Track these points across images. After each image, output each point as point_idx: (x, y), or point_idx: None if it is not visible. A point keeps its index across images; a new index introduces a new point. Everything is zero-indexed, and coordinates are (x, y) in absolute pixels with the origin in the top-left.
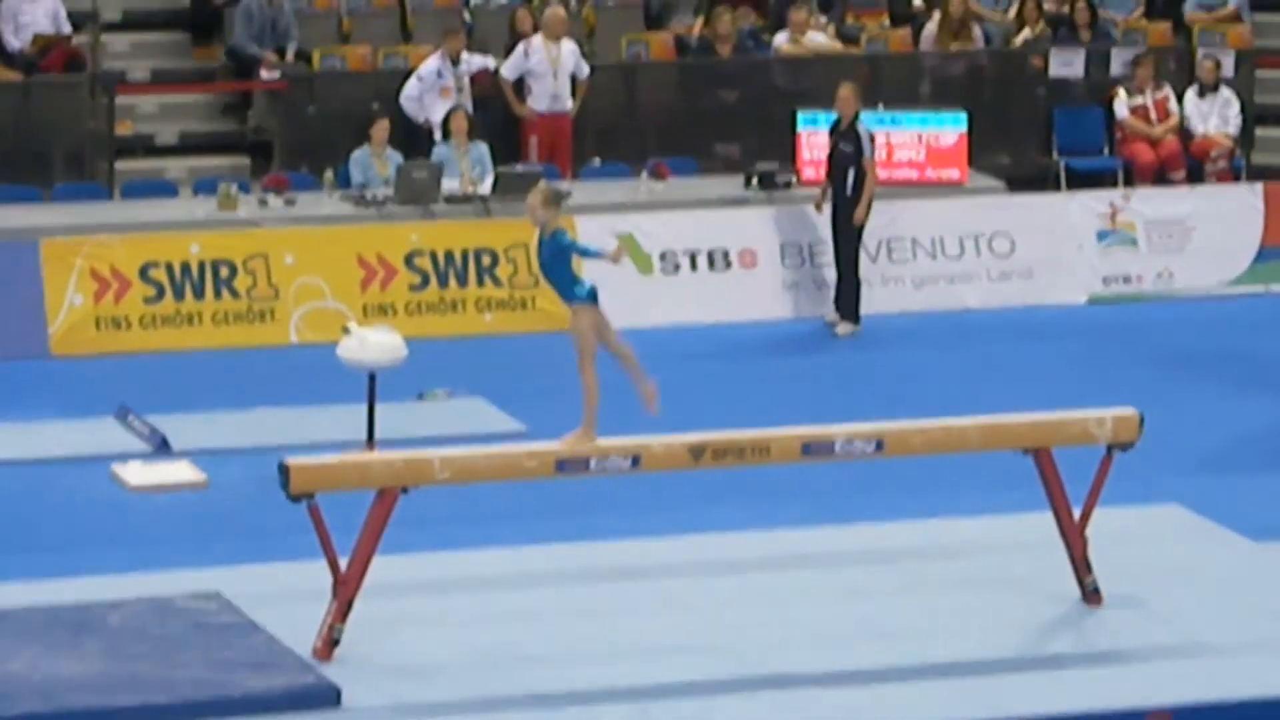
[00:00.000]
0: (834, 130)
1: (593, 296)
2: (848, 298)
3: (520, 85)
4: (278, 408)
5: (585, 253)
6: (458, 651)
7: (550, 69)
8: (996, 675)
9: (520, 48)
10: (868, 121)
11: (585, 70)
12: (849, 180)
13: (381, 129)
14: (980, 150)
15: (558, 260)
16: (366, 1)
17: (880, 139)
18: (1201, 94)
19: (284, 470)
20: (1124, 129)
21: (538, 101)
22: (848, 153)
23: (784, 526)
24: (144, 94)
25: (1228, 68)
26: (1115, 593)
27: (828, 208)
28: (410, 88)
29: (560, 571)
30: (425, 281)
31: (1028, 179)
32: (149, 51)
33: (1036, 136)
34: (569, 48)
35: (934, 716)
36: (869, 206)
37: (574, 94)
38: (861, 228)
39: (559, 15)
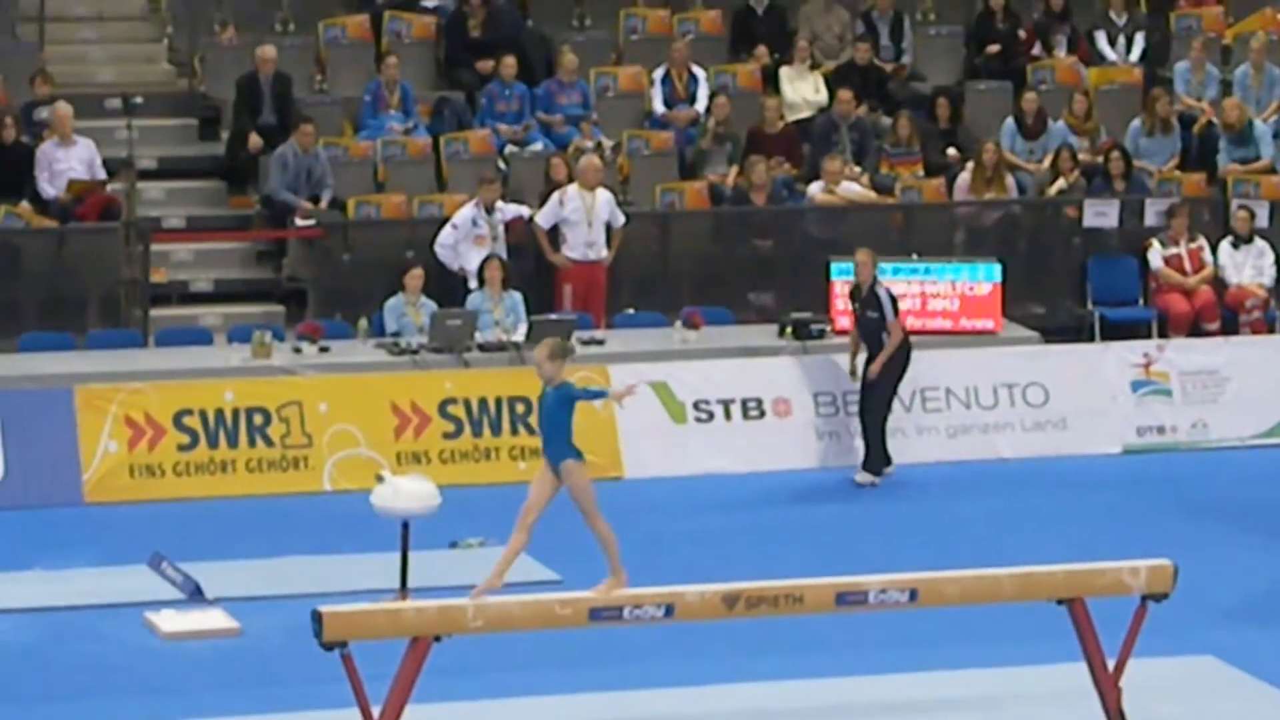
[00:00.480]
0: (854, 296)
1: (580, 456)
2: (874, 453)
3: (555, 233)
4: (311, 556)
5: (592, 396)
6: None
7: (585, 218)
8: None
9: (555, 196)
10: (903, 272)
11: (621, 219)
12: (882, 344)
13: (415, 277)
14: (1014, 300)
15: (562, 411)
16: (402, 150)
17: (914, 289)
18: (1236, 245)
19: (317, 618)
20: (1158, 279)
21: (572, 250)
22: (874, 318)
23: (817, 676)
24: (179, 241)
25: (1262, 218)
26: None
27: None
28: (445, 236)
29: None
30: (459, 429)
31: (1062, 329)
32: (184, 199)
33: (1071, 286)
34: (604, 196)
35: None
36: (885, 362)
37: (609, 242)
38: (886, 383)
39: (594, 164)
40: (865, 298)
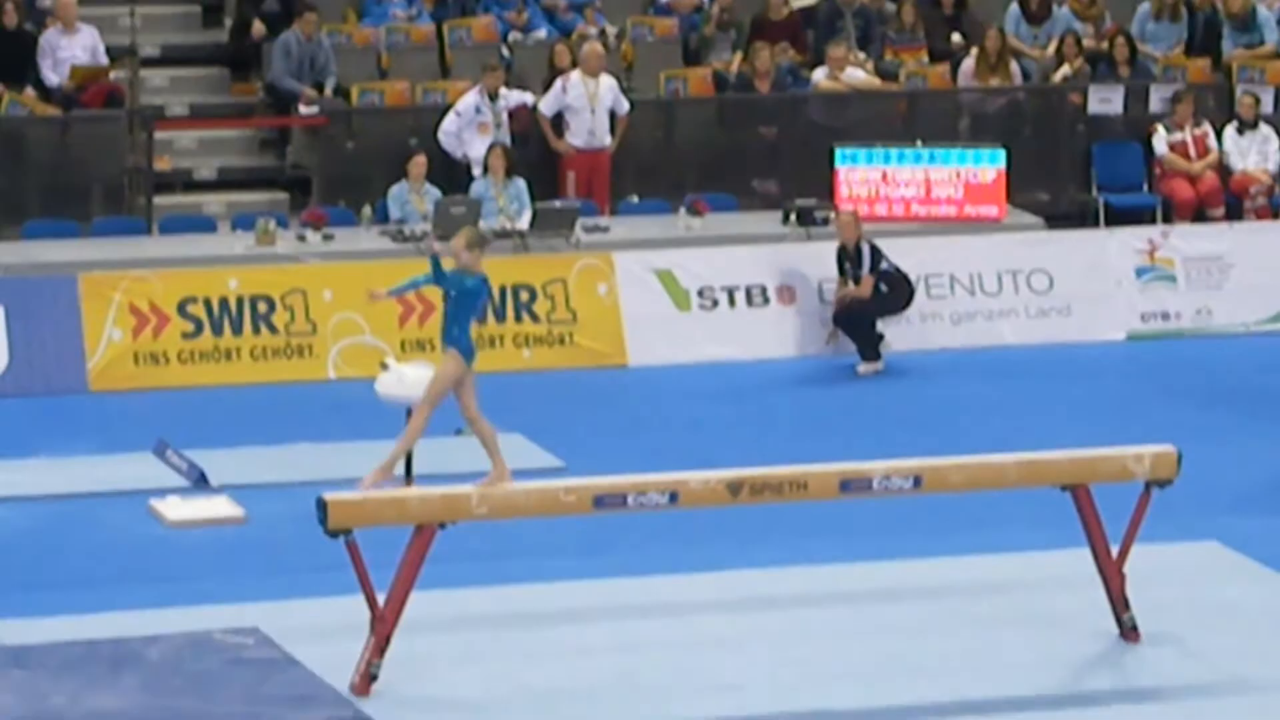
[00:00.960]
0: (842, 257)
1: (470, 355)
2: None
3: (558, 121)
4: (316, 443)
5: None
6: (494, 687)
7: (588, 105)
8: (1034, 712)
9: (558, 84)
10: (907, 159)
11: (625, 106)
12: (884, 301)
13: (419, 164)
14: (1019, 186)
15: (466, 301)
16: (405, 37)
17: (919, 175)
18: (1240, 130)
19: (322, 506)
20: (1163, 165)
21: (575, 137)
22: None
23: (821, 563)
24: (182, 129)
25: (1267, 104)
26: (1153, 630)
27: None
28: (448, 123)
29: (597, 607)
30: None
31: (1066, 215)
32: (187, 87)
33: (1075, 173)
34: (607, 83)
35: None
36: (854, 296)
37: (613, 130)
38: (871, 311)
39: (597, 51)
40: (853, 256)
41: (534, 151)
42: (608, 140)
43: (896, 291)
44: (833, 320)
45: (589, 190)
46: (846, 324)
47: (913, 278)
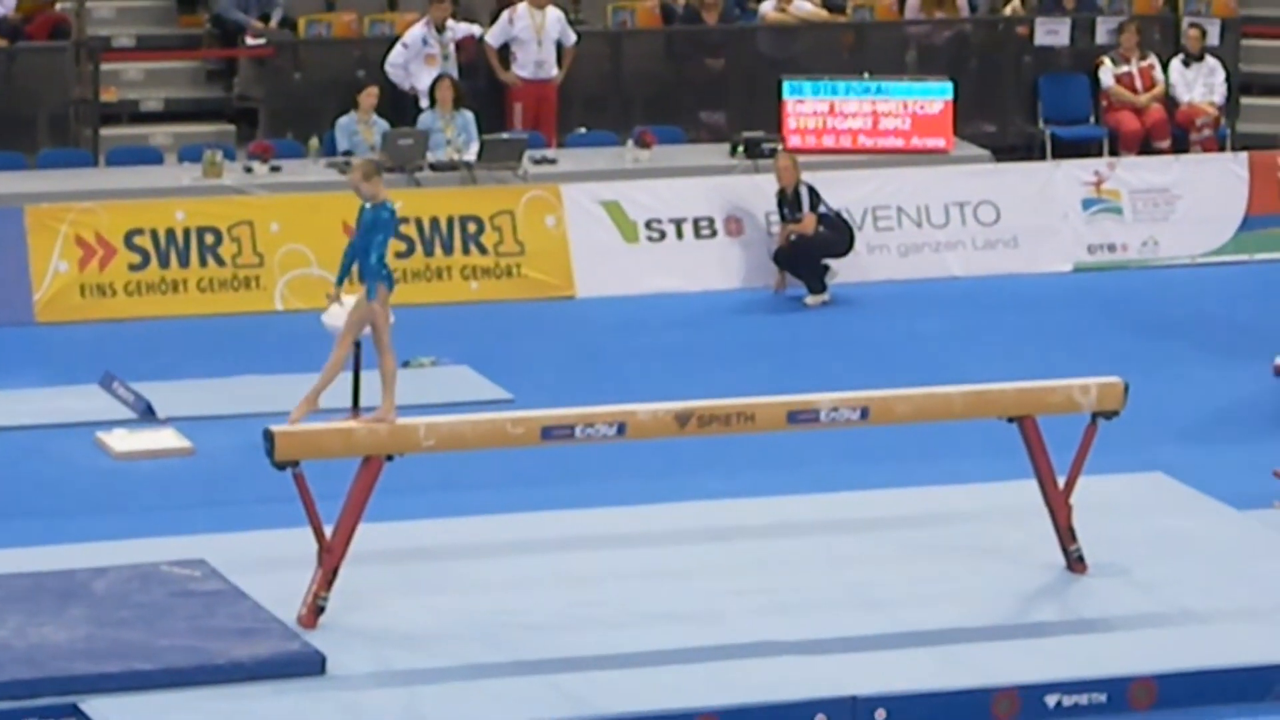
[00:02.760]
0: (782, 201)
1: (389, 284)
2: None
3: (505, 52)
4: (263, 375)
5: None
6: (442, 619)
7: (535, 36)
8: (981, 643)
9: (505, 15)
10: (855, 91)
11: (571, 37)
12: (826, 242)
13: (369, 96)
14: (966, 119)
15: (376, 231)
16: None
17: (866, 108)
18: (1187, 63)
19: (269, 437)
20: (1109, 97)
21: (522, 69)
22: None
23: (769, 494)
24: (129, 60)
25: (1213, 36)
26: (1099, 561)
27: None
28: (396, 55)
29: (545, 539)
30: (411, 249)
31: (1013, 148)
32: (134, 18)
33: (1022, 105)
34: (554, 15)
35: (919, 684)
36: (795, 234)
37: (560, 61)
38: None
39: None
40: (791, 200)
41: (481, 83)
42: (554, 72)
43: (837, 234)
44: (774, 259)
45: (536, 122)
46: (790, 261)
47: (860, 210)
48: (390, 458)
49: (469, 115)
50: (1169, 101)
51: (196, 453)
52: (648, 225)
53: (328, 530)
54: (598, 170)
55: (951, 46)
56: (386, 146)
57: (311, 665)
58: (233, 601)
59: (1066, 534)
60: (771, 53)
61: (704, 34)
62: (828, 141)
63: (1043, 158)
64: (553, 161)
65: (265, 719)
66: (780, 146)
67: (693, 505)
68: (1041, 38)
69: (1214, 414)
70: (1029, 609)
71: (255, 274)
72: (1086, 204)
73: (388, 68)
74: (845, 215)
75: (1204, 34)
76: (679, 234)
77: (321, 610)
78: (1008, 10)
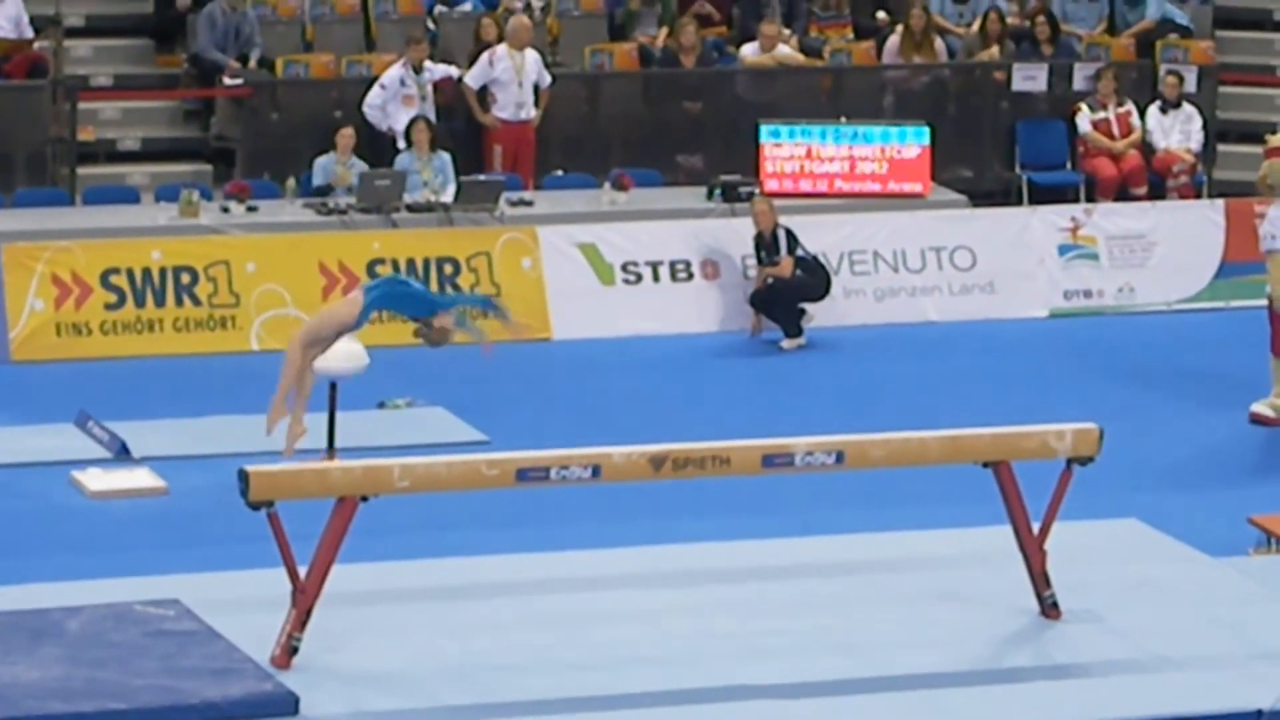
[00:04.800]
0: (759, 245)
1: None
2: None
3: (484, 94)
4: (238, 415)
5: None
6: (416, 661)
7: (515, 78)
8: (955, 688)
9: (485, 56)
10: (832, 135)
11: (547, 79)
12: (801, 287)
13: (346, 137)
14: (943, 164)
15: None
16: (330, 9)
17: (843, 152)
18: (1164, 109)
19: (244, 477)
20: (1086, 143)
21: (502, 110)
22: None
23: (744, 538)
24: (107, 100)
25: (1190, 83)
26: (1073, 607)
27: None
28: (373, 96)
29: (520, 582)
30: None
31: (990, 193)
32: (112, 57)
33: (999, 150)
34: (533, 56)
35: None
36: (772, 277)
37: (537, 103)
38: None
39: (524, 24)
40: (769, 244)
41: (459, 124)
42: (533, 113)
43: (814, 278)
44: (750, 302)
45: (514, 163)
46: (766, 304)
47: (836, 254)
48: (365, 499)
49: (446, 157)
50: (1146, 148)
51: (171, 492)
52: (624, 268)
53: (302, 571)
54: (574, 212)
55: (929, 91)
56: (363, 187)
57: (285, 706)
58: (206, 642)
59: (1041, 580)
60: (749, 96)
61: (682, 77)
62: (805, 185)
63: (1019, 203)
64: (529, 203)
65: None
66: (757, 190)
67: (668, 548)
68: (1019, 83)
69: (1189, 461)
70: (1003, 655)
71: (231, 314)
72: (1063, 250)
73: (365, 109)
74: (822, 259)
75: (1181, 81)
76: (655, 277)
77: (295, 651)
78: (985, 56)
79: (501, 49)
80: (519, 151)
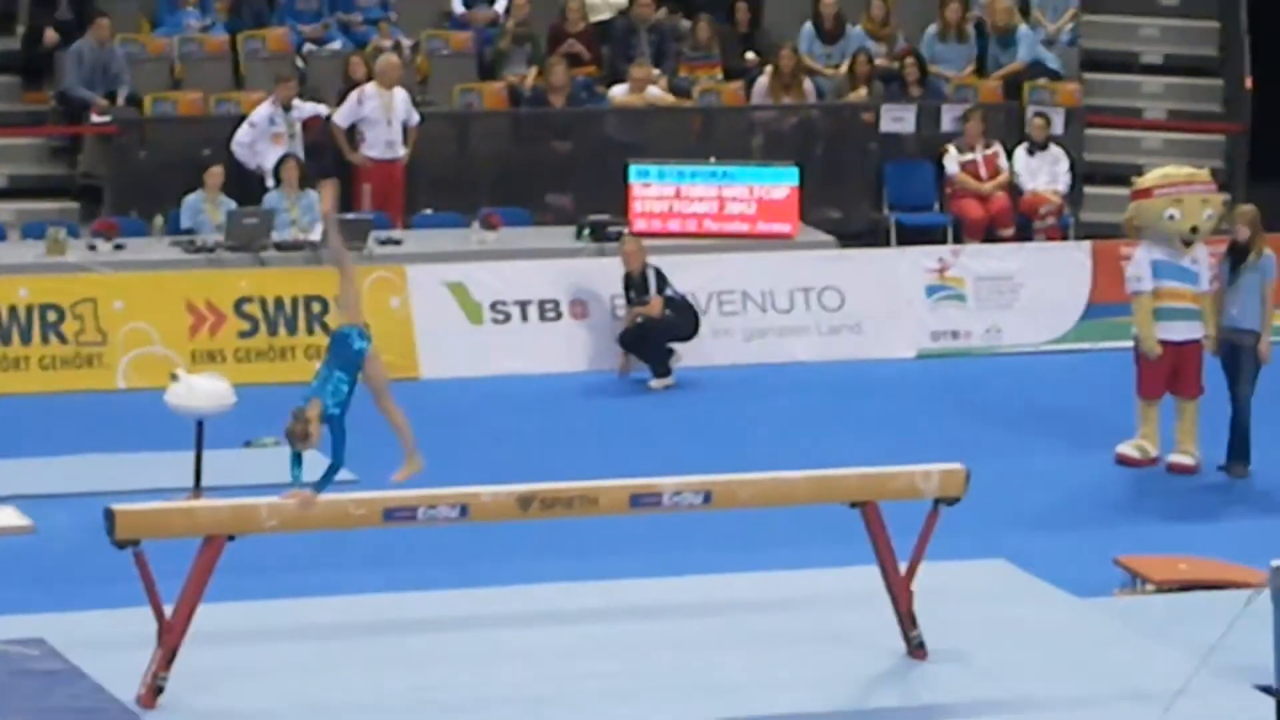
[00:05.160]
0: (629, 285)
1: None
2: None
3: (352, 132)
4: (104, 453)
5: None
6: (282, 701)
7: (384, 116)
8: None
9: (353, 95)
10: (701, 176)
11: (416, 118)
12: (671, 326)
13: (215, 175)
14: (811, 204)
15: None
16: (199, 47)
17: (712, 192)
18: (1031, 151)
19: (109, 516)
20: (954, 185)
21: (371, 149)
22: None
23: (612, 578)
24: None
25: (1058, 125)
26: (940, 647)
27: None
28: (242, 134)
29: (386, 621)
30: (254, 328)
31: (858, 234)
32: None
33: (867, 191)
34: (401, 95)
35: None
36: (641, 316)
37: (405, 142)
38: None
39: (393, 62)
40: (638, 283)
41: (328, 163)
42: (402, 152)
43: (683, 318)
44: (619, 342)
45: (384, 202)
46: (635, 344)
47: (705, 294)
48: (232, 538)
49: (314, 195)
50: (1013, 189)
51: (37, 531)
52: (493, 307)
53: (168, 610)
54: (443, 251)
55: (798, 132)
56: (231, 225)
57: None
58: (71, 681)
59: (908, 620)
60: (618, 136)
61: (551, 116)
62: (674, 225)
63: (887, 244)
64: (398, 242)
65: None
66: (626, 230)
67: (535, 588)
68: (887, 125)
69: (1056, 502)
70: (870, 695)
71: (98, 352)
72: (930, 291)
73: (234, 146)
74: (690, 299)
75: (1049, 123)
76: (524, 316)
77: (161, 690)
78: (854, 97)
79: (370, 87)
80: (388, 190)
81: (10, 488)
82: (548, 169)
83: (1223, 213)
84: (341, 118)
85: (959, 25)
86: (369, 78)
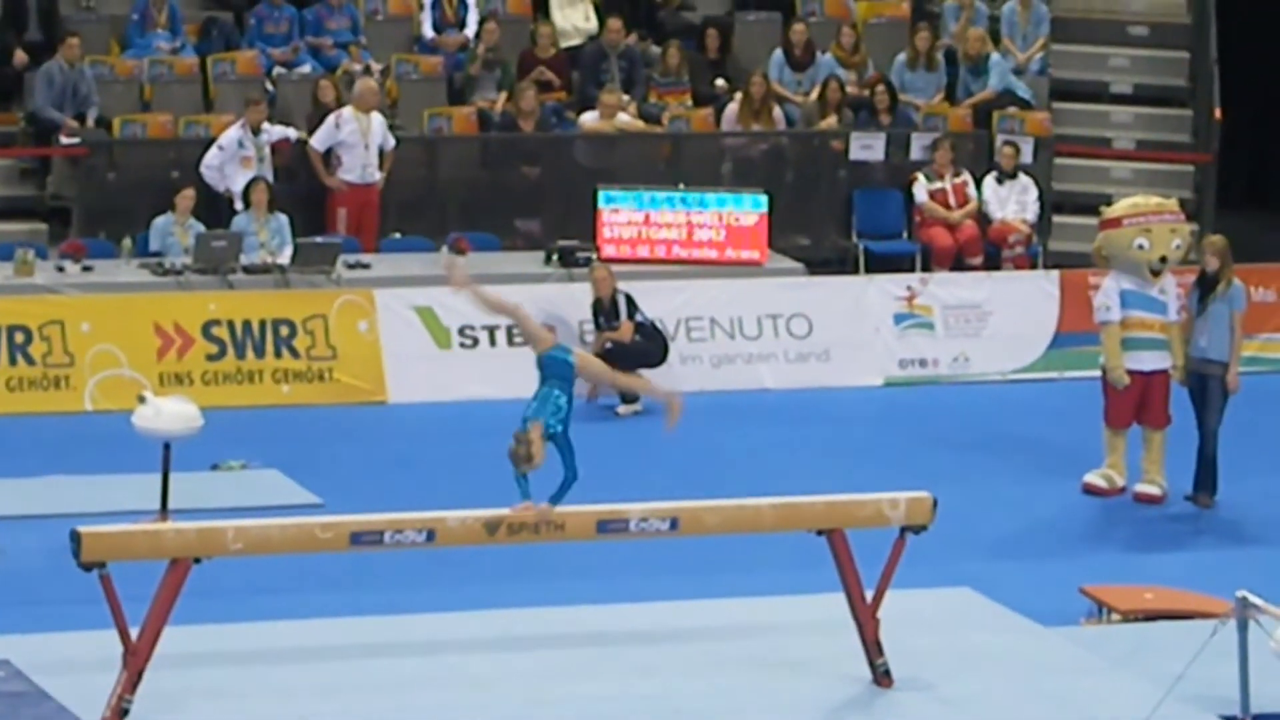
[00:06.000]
0: (598, 310)
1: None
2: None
3: (328, 156)
4: (71, 475)
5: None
6: None
7: (361, 140)
8: None
9: (331, 119)
10: (670, 202)
11: (391, 142)
12: (644, 353)
13: (186, 198)
14: (780, 231)
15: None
16: (169, 69)
17: (681, 219)
18: (1000, 180)
19: (76, 538)
20: (923, 213)
21: (348, 173)
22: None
23: (578, 604)
24: None
25: (1027, 154)
26: (906, 675)
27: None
28: (211, 157)
29: (352, 645)
30: (222, 351)
31: (827, 261)
32: None
33: (836, 219)
34: (378, 119)
35: None
36: (611, 342)
37: (381, 166)
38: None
39: (371, 87)
40: (608, 310)
41: (303, 187)
42: (378, 176)
43: (652, 344)
44: None
45: (359, 226)
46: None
47: (673, 321)
48: (198, 560)
49: (283, 218)
50: (982, 218)
51: (3, 552)
52: (461, 332)
53: (134, 632)
54: (412, 275)
55: (767, 159)
56: (200, 248)
57: None
58: (36, 703)
59: (874, 648)
60: (588, 162)
61: (520, 142)
62: (642, 252)
63: (856, 272)
64: (367, 266)
65: None
66: (595, 256)
67: (501, 613)
68: (856, 152)
69: (1022, 530)
70: None
71: (65, 374)
72: (899, 319)
73: (203, 169)
74: (659, 325)
75: (1018, 152)
76: (492, 341)
77: (126, 713)
78: (824, 124)
79: (347, 112)
80: (364, 214)
81: None
82: (517, 194)
83: (1190, 243)
84: (319, 141)
85: (929, 53)
86: (339, 101)
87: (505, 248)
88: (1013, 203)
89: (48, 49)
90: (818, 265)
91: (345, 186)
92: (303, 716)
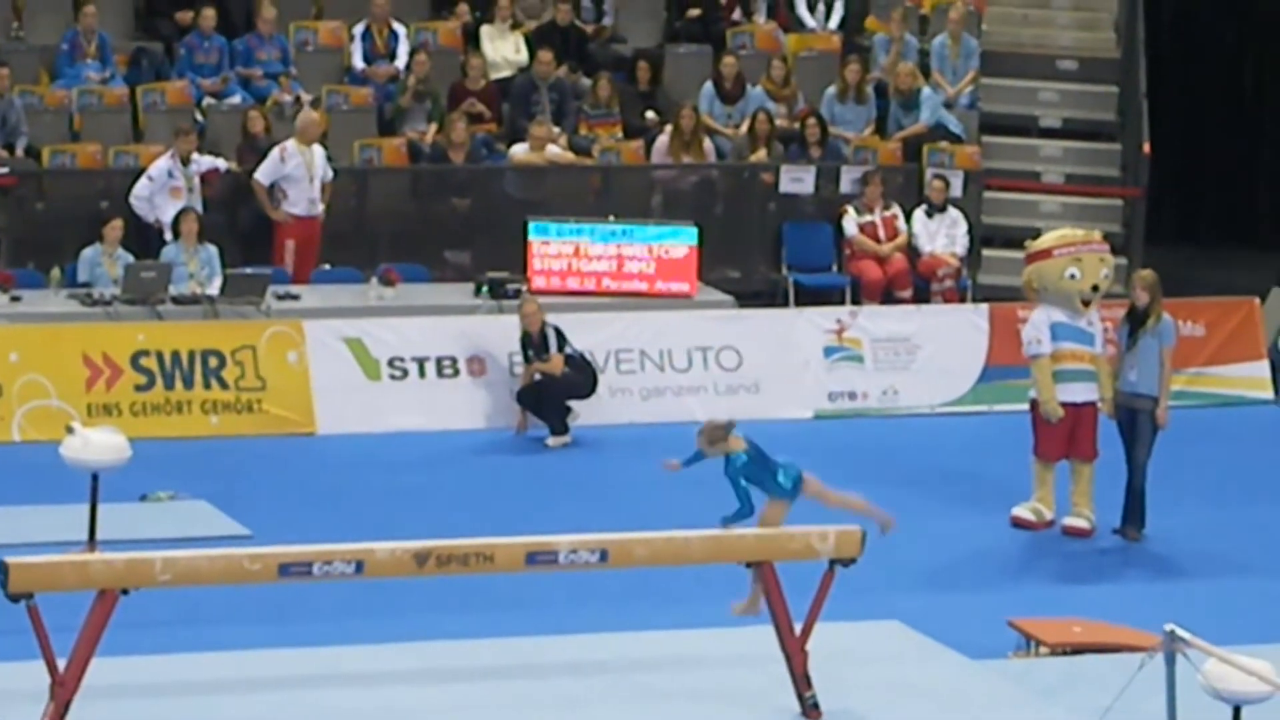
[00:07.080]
0: (526, 344)
1: (793, 487)
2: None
3: (271, 189)
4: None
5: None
6: None
7: (307, 174)
8: None
9: (276, 153)
10: (600, 234)
11: (330, 173)
12: (573, 384)
13: (115, 228)
14: (710, 264)
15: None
16: (98, 99)
17: (611, 251)
18: (930, 213)
19: (3, 569)
20: (852, 246)
21: (294, 206)
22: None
23: (507, 635)
24: None
25: (956, 188)
26: (834, 708)
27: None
28: (140, 187)
29: (281, 677)
30: (151, 382)
31: (757, 294)
32: None
33: (766, 252)
34: (320, 152)
35: None
36: (541, 374)
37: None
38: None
39: (313, 119)
40: (538, 343)
41: (247, 219)
42: (321, 208)
43: (581, 376)
44: (517, 399)
45: (303, 259)
46: (533, 402)
47: (603, 353)
48: (126, 591)
49: (213, 249)
50: (911, 251)
51: None
52: (390, 363)
53: (61, 664)
54: (341, 307)
55: (697, 192)
56: (129, 279)
57: None
58: None
59: (802, 680)
60: (517, 194)
61: (450, 173)
62: (572, 283)
63: (786, 304)
64: (296, 297)
65: None
66: (525, 288)
67: (430, 645)
68: (786, 185)
69: (951, 563)
70: None
71: None
72: (828, 351)
73: (132, 200)
74: (589, 357)
75: (947, 185)
76: (421, 373)
77: None
78: (754, 157)
79: (291, 145)
80: (308, 246)
81: None
82: (447, 226)
83: (1114, 276)
84: (264, 175)
85: (858, 86)
86: (268, 132)
87: (435, 279)
88: (942, 236)
89: None
90: (748, 298)
91: (291, 219)
92: None
